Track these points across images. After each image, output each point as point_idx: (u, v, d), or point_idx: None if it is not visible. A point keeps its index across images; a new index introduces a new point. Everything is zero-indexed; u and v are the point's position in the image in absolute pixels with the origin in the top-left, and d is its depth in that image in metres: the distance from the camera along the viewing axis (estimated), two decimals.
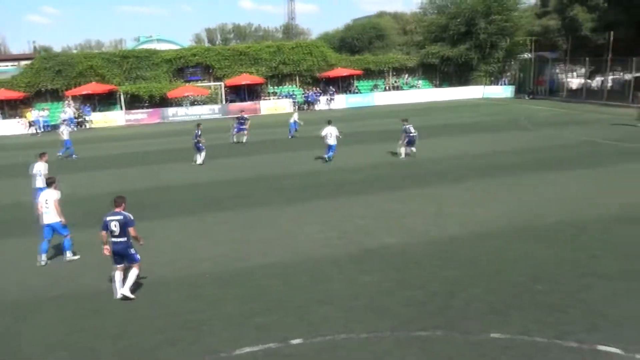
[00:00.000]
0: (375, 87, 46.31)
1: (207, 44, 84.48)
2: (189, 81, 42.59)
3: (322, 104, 42.63)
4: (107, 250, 8.60)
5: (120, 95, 40.23)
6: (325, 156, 19.51)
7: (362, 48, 58.67)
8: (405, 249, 10.25)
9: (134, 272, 8.59)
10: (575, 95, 40.98)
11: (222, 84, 42.88)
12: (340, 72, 44.21)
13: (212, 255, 10.36)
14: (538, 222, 11.37)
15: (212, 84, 43.17)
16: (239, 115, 26.45)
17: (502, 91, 45.47)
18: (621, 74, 41.74)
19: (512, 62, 47.94)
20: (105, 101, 41.03)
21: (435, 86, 47.49)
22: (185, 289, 8.87)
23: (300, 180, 16.78)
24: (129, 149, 26.03)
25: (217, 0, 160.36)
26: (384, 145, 22.32)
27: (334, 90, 43.40)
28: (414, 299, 8.04)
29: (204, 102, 41.91)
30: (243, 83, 41.98)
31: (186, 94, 40.77)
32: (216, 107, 41.15)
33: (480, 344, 6.67)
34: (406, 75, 48.08)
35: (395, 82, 47.23)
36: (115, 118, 39.44)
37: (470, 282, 8.54)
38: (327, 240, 10.93)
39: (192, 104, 41.65)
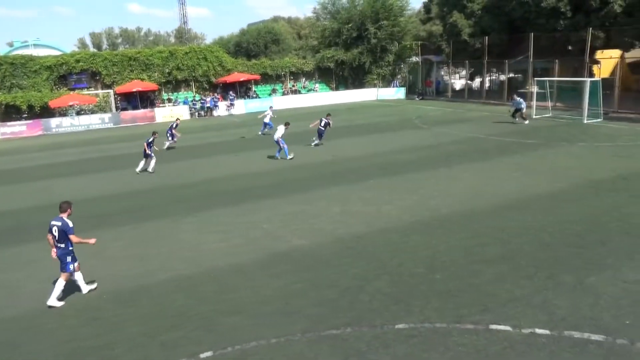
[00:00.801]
0: (274, 91, 46.48)
1: (92, 49, 79.26)
2: (74, 89, 39.64)
3: (222, 109, 41.94)
4: (53, 253, 8.67)
5: None
6: (277, 155, 20.61)
7: (259, 53, 58.70)
8: (313, 249, 10.37)
9: (60, 283, 8.54)
10: (459, 95, 44.33)
11: (112, 91, 40.53)
12: (237, 77, 43.76)
13: (109, 274, 9.71)
14: (433, 215, 12.08)
15: (100, 91, 40.59)
16: (175, 123, 26.00)
17: (395, 93, 47.88)
18: (497, 75, 45.91)
19: (402, 65, 50.65)
20: None
21: (333, 89, 48.77)
22: (81, 314, 8.23)
23: (202, 189, 16.32)
24: (9, 165, 23.62)
25: (102, 4, 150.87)
26: (290, 149, 22.45)
27: (233, 95, 42.89)
28: (324, 298, 8.16)
29: (93, 111, 39.27)
30: (134, 90, 39.90)
31: (71, 103, 37.82)
32: (106, 116, 38.73)
33: (386, 335, 6.93)
34: (304, 79, 48.86)
35: (293, 86, 47.80)
36: None
37: (375, 276, 8.86)
38: (232, 248, 10.73)
39: (79, 113, 38.81)
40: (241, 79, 44.01)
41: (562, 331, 6.75)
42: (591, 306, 7.38)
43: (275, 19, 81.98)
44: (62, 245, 8.55)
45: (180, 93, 43.59)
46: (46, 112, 37.37)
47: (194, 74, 43.09)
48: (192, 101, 42.08)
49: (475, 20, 38.92)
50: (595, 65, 34.09)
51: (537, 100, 29.39)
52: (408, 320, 7.27)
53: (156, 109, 40.26)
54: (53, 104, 37.02)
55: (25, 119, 36.88)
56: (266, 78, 46.76)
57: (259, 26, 67.64)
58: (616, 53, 32.94)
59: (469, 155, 19.02)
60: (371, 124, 29.82)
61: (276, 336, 7.09)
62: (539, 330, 6.80)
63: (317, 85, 48.65)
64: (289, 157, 20.15)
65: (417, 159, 18.79)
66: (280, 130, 20.28)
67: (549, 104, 30.18)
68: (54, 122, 37.09)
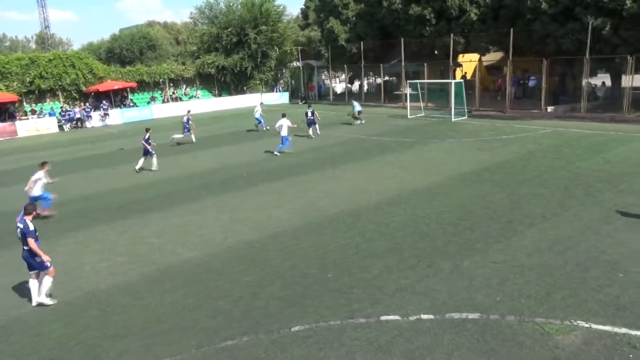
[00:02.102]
0: (153, 99, 44.44)
1: None
2: None
3: (95, 120, 39.12)
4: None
5: None
6: (276, 151, 21.09)
7: (134, 59, 55.81)
8: (205, 260, 10.10)
9: (46, 280, 8.59)
10: (341, 98, 46.04)
11: None
12: (111, 85, 41.12)
13: None
14: (322, 215, 12.40)
15: None
16: (187, 117, 25.38)
17: (279, 98, 48.36)
18: (374, 78, 48.50)
19: (284, 70, 51.30)
20: None
21: (215, 96, 47.90)
22: None
23: (76, 206, 15.07)
24: None
25: None
26: (173, 158, 21.66)
27: (107, 105, 40.17)
28: (219, 309, 7.98)
29: None
30: None
31: None
32: None
33: (283, 339, 6.98)
34: (184, 86, 47.38)
35: (174, 93, 46.10)
36: None
37: (269, 281, 8.87)
38: (116, 267, 10.06)
39: None
40: (115, 87, 41.44)
41: (444, 314, 7.32)
42: (467, 288, 8.09)
43: (150, 24, 78.50)
44: (28, 247, 8.54)
45: (45, 104, 39.82)
46: None
47: (60, 83, 39.65)
48: (60, 112, 38.66)
49: (351, 26, 40.72)
50: (459, 68, 37.49)
51: (410, 101, 31.52)
52: (303, 322, 7.38)
53: (18, 122, 36.38)
54: None
55: None
56: (143, 85, 44.60)
57: (132, 31, 64.19)
58: (475, 57, 36.50)
59: (353, 155, 19.83)
60: (258, 130, 29.79)
61: (171, 354, 6.80)
62: (424, 316, 7.30)
63: (198, 91, 47.46)
64: (279, 149, 21.13)
65: (304, 162, 19.16)
66: (286, 123, 21.13)
67: (421, 104, 32.52)
68: None
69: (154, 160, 19.50)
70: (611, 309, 7.17)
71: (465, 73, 36.76)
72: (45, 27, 78.70)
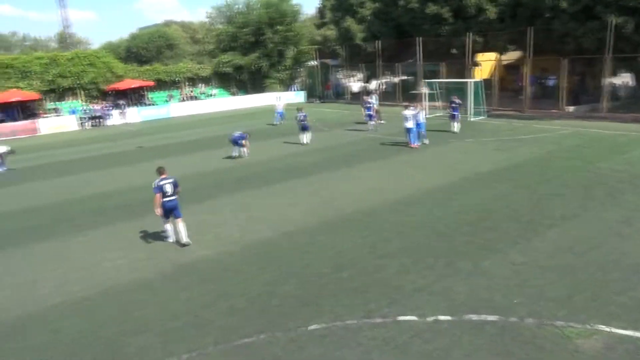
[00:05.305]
0: (170, 97, 44.84)
1: None
2: None
3: (116, 118, 39.56)
4: (158, 211, 10.61)
5: None
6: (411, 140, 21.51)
7: (151, 58, 56.39)
8: (221, 258, 10.13)
9: (183, 226, 10.86)
10: (357, 97, 45.79)
11: None
12: (129, 83, 41.63)
13: None
14: (338, 215, 12.36)
15: None
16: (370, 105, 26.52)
17: (295, 96, 48.33)
18: (391, 77, 48.18)
19: (301, 69, 51.30)
20: None
21: (233, 94, 48.14)
22: None
23: (94, 204, 15.24)
24: None
25: None
26: (189, 157, 21.84)
27: (124, 103, 40.61)
28: (234, 307, 8.00)
29: None
30: (13, 100, 36.37)
31: None
32: None
33: (300, 338, 6.96)
34: (201, 85, 47.70)
35: (191, 92, 46.45)
36: None
37: (284, 280, 8.86)
38: (133, 264, 10.16)
39: None
40: (134, 86, 41.93)
41: (462, 315, 7.23)
42: (485, 289, 7.98)
43: (168, 23, 79.24)
44: (175, 197, 10.68)
45: (66, 102, 40.43)
46: None
47: (80, 82, 40.24)
48: (83, 110, 39.14)
49: (367, 25, 40.54)
50: (477, 67, 37.03)
51: (428, 100, 31.25)
52: (320, 321, 7.36)
53: (40, 120, 36.99)
54: None
55: None
56: (161, 84, 45.08)
57: (150, 30, 64.89)
58: (493, 56, 36.06)
59: (368, 155, 19.73)
60: (272, 128, 29.88)
61: (188, 351, 6.83)
62: (441, 317, 7.22)
63: (215, 90, 47.73)
64: (418, 143, 21.05)
65: (320, 161, 19.13)
66: (410, 112, 21.45)
67: (439, 103, 32.22)
68: None
69: (308, 134, 23.22)
70: (634, 313, 7.01)
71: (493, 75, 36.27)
72: (65, 27, 79.79)
